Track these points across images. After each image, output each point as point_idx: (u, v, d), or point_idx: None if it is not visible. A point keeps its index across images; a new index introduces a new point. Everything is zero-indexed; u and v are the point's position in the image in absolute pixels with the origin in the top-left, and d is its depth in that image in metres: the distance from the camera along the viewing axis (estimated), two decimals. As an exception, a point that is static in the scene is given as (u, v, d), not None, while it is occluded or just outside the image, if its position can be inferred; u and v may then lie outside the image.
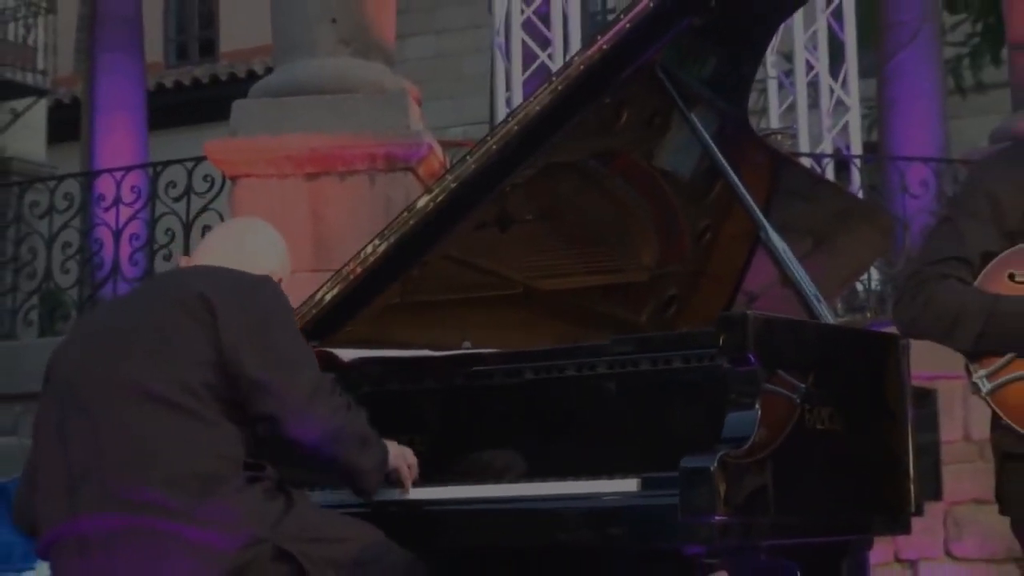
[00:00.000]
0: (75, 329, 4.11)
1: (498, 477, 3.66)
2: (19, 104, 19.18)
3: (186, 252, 9.34)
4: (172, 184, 9.63)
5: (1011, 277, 3.56)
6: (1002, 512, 3.74)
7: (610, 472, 3.45)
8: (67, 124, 17.08)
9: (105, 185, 10.33)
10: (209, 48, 23.10)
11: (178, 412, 3.40)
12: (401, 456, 3.62)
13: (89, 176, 11.25)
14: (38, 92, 19.40)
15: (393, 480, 3.62)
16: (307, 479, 3.76)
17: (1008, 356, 3.52)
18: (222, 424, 3.44)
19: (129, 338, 3.53)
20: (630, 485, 3.35)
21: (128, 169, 10.34)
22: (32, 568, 6.76)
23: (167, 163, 9.82)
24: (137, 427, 3.40)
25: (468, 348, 4.12)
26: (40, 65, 19.49)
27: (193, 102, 19.50)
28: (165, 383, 3.42)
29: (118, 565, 3.37)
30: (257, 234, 3.89)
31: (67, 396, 3.56)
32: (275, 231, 3.91)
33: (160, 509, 3.32)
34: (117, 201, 9.92)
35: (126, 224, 9.93)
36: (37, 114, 19.42)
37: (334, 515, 3.58)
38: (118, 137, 12.99)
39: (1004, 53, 10.98)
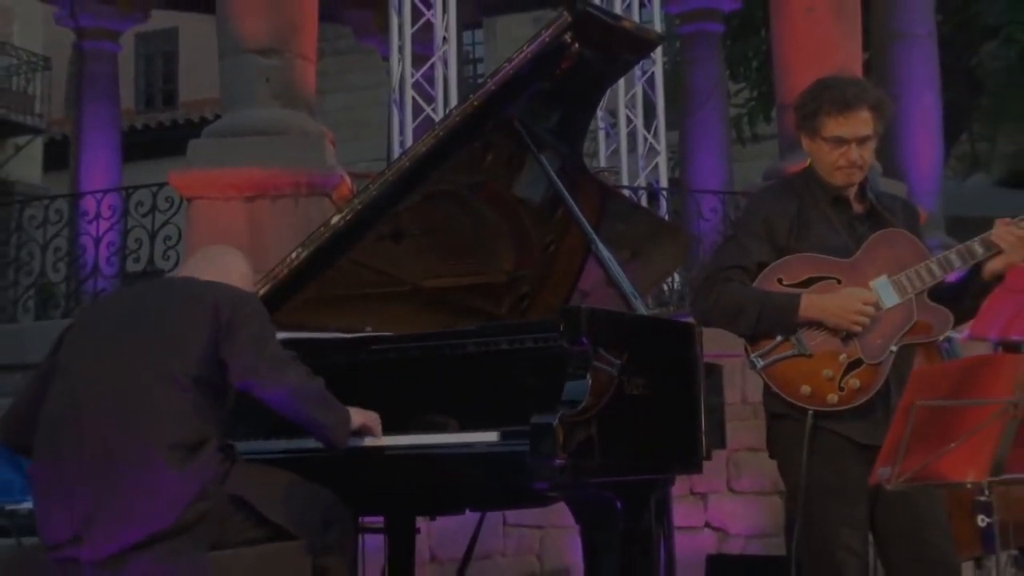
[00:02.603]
0: (88, 313, 3.98)
1: (393, 431, 3.63)
2: (20, 140, 18.98)
3: (151, 257, 9.31)
4: (141, 204, 9.54)
5: (779, 281, 3.61)
6: (771, 456, 3.80)
7: (477, 426, 3.44)
8: (59, 156, 16.86)
9: (88, 204, 10.20)
10: (171, 98, 22.98)
11: (187, 391, 3.39)
12: (364, 415, 3.55)
13: (76, 196, 11.07)
14: (36, 131, 19.18)
15: (364, 433, 3.54)
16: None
17: (775, 341, 3.57)
18: (211, 405, 3.44)
19: (153, 326, 3.49)
20: (492, 437, 3.36)
21: (106, 192, 10.28)
22: (28, 500, 6.60)
23: (137, 187, 9.70)
24: (155, 398, 3.37)
25: (369, 332, 4.09)
26: (37, 109, 19.25)
27: (158, 140, 19.30)
28: (180, 369, 3.40)
29: (106, 499, 3.30)
30: (236, 259, 3.84)
31: (86, 363, 3.48)
32: (243, 257, 3.87)
33: (156, 465, 3.30)
34: (97, 216, 9.82)
35: (104, 234, 9.83)
36: (35, 148, 19.21)
37: (263, 467, 3.58)
38: (99, 167, 12.80)
39: (774, 112, 11.11)
